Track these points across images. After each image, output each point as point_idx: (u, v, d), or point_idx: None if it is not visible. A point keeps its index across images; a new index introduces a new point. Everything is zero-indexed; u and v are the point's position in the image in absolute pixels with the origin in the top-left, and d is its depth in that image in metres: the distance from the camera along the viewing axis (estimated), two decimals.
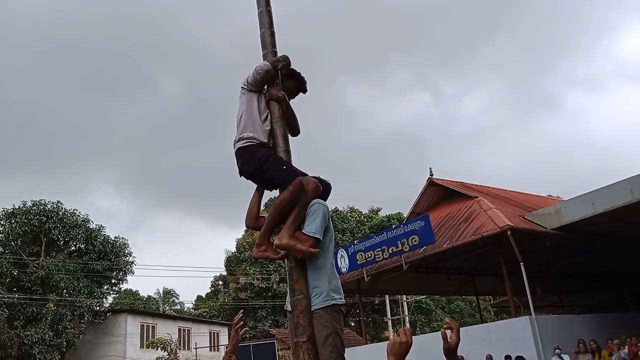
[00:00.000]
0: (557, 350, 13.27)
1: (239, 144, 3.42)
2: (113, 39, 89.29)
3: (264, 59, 3.64)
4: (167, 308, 53.85)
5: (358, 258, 17.66)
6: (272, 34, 3.70)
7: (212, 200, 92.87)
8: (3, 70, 76.64)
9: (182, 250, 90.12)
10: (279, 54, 3.62)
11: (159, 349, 29.22)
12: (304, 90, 3.75)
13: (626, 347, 12.99)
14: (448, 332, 2.07)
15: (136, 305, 46.62)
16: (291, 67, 3.61)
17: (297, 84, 3.70)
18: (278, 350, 26.75)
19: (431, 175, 19.87)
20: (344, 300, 3.17)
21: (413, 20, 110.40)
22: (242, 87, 3.54)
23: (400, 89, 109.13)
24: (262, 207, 3.63)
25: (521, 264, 14.36)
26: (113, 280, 32.41)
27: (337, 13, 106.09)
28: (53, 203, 29.98)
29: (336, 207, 43.44)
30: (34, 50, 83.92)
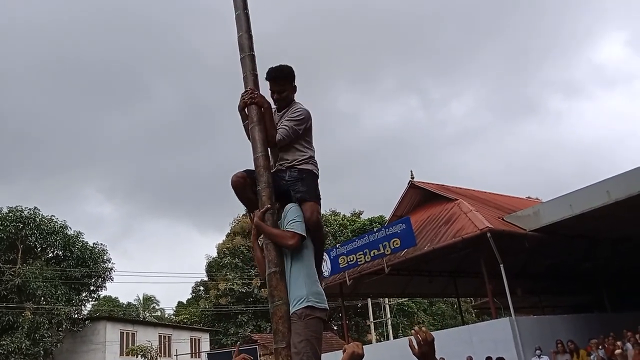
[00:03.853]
0: (538, 351, 13.41)
1: None
2: (110, 48, 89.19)
3: (241, 63, 3.62)
4: (148, 315, 53.21)
5: (340, 262, 17.65)
6: (250, 37, 3.66)
7: (202, 206, 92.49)
8: (0, 78, 75.61)
9: (172, 256, 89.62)
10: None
11: (139, 356, 28.86)
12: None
13: (605, 346, 13.19)
14: (414, 340, 2.08)
15: (115, 313, 45.98)
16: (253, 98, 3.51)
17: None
18: (260, 356, 26.59)
19: (412, 178, 19.97)
20: (324, 305, 3.14)
21: (404, 28, 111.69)
22: None
23: (388, 94, 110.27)
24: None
25: (501, 265, 14.49)
26: (92, 287, 31.97)
27: (332, 22, 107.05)
28: (30, 209, 29.49)
29: None
30: (31, 58, 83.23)
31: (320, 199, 3.49)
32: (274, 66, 3.59)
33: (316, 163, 3.63)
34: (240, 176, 3.44)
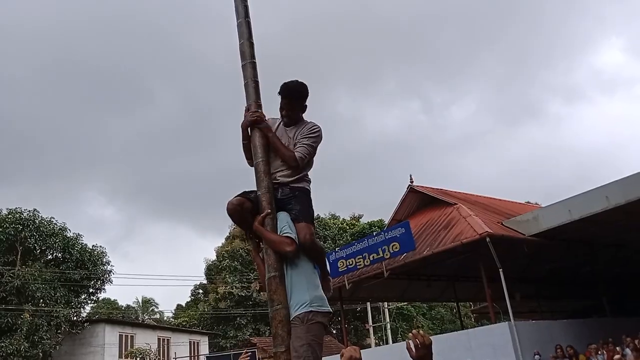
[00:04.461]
0: (537, 356, 13.41)
1: None
2: (112, 52, 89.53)
3: (242, 70, 3.64)
4: (147, 317, 53.13)
5: (339, 265, 17.67)
6: (251, 44, 3.69)
7: (202, 209, 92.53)
8: (3, 83, 75.82)
9: (171, 259, 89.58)
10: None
11: (138, 359, 28.80)
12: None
13: (604, 352, 13.18)
14: (412, 343, 2.10)
15: (114, 315, 45.94)
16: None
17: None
18: None
19: (411, 182, 19.97)
20: (326, 308, 3.15)
21: (405, 32, 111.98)
22: None
23: (389, 98, 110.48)
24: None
25: (500, 270, 14.50)
26: (91, 290, 31.94)
27: (333, 26, 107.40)
28: (29, 211, 29.51)
29: (317, 214, 43.44)
30: (34, 63, 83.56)
31: (313, 219, 3.44)
32: (289, 83, 3.50)
33: (309, 179, 3.58)
34: (235, 204, 3.37)
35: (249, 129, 3.52)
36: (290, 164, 3.40)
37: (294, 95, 3.51)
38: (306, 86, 3.54)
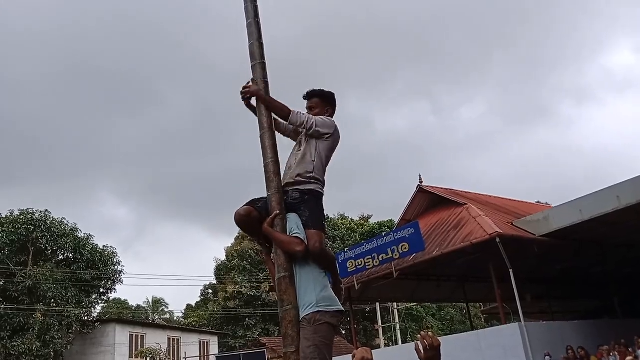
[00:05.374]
0: (547, 357, 13.33)
1: None
2: (123, 56, 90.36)
3: (252, 70, 3.66)
4: (157, 317, 53.37)
5: (348, 266, 17.64)
6: (261, 45, 3.70)
7: (212, 209, 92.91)
8: (13, 85, 76.68)
9: (181, 259, 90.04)
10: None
11: (148, 359, 28.94)
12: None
13: (617, 353, 13.07)
14: (421, 345, 2.11)
15: (125, 315, 46.20)
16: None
17: None
18: None
19: (421, 182, 19.93)
20: (336, 307, 3.14)
21: (415, 33, 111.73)
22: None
23: (399, 99, 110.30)
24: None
25: (510, 270, 14.42)
26: (102, 290, 32.15)
27: (343, 28, 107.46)
28: (41, 212, 29.75)
29: (327, 215, 43.26)
30: (47, 65, 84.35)
31: (323, 225, 3.43)
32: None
33: (323, 181, 3.55)
34: (242, 214, 3.37)
35: (250, 104, 3.69)
36: (282, 115, 3.50)
37: (316, 94, 3.68)
38: (332, 92, 3.74)
